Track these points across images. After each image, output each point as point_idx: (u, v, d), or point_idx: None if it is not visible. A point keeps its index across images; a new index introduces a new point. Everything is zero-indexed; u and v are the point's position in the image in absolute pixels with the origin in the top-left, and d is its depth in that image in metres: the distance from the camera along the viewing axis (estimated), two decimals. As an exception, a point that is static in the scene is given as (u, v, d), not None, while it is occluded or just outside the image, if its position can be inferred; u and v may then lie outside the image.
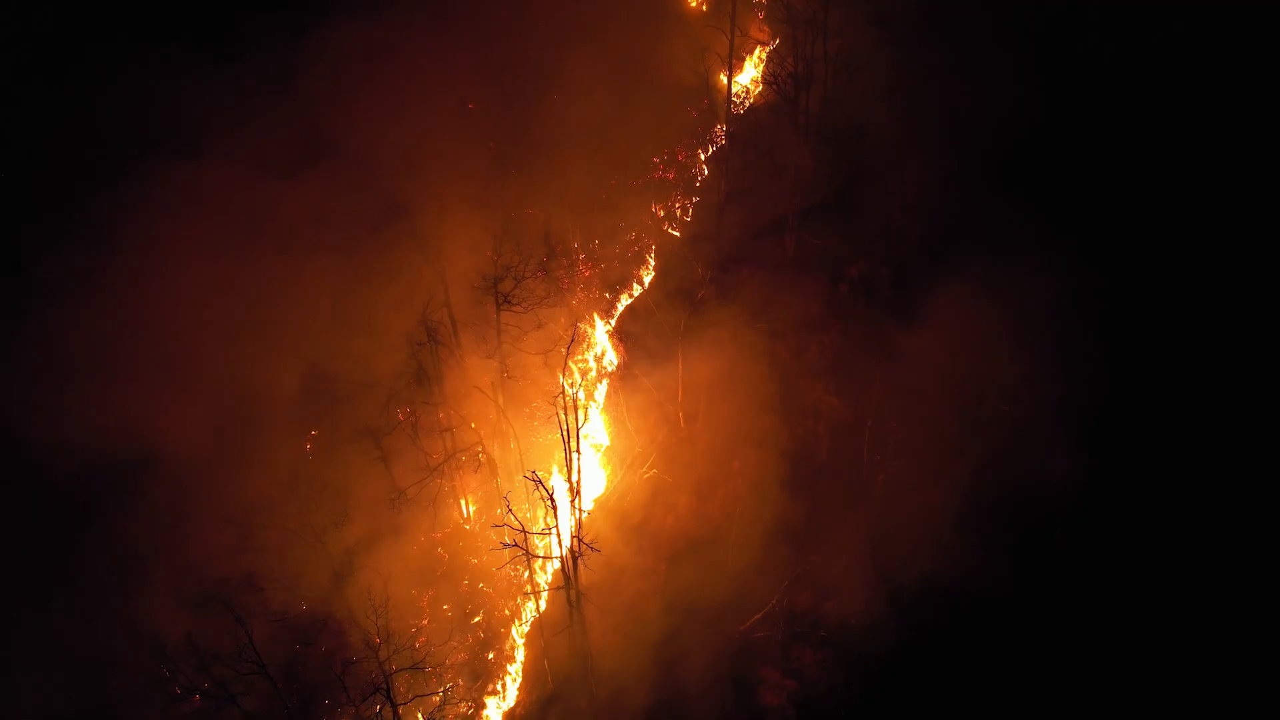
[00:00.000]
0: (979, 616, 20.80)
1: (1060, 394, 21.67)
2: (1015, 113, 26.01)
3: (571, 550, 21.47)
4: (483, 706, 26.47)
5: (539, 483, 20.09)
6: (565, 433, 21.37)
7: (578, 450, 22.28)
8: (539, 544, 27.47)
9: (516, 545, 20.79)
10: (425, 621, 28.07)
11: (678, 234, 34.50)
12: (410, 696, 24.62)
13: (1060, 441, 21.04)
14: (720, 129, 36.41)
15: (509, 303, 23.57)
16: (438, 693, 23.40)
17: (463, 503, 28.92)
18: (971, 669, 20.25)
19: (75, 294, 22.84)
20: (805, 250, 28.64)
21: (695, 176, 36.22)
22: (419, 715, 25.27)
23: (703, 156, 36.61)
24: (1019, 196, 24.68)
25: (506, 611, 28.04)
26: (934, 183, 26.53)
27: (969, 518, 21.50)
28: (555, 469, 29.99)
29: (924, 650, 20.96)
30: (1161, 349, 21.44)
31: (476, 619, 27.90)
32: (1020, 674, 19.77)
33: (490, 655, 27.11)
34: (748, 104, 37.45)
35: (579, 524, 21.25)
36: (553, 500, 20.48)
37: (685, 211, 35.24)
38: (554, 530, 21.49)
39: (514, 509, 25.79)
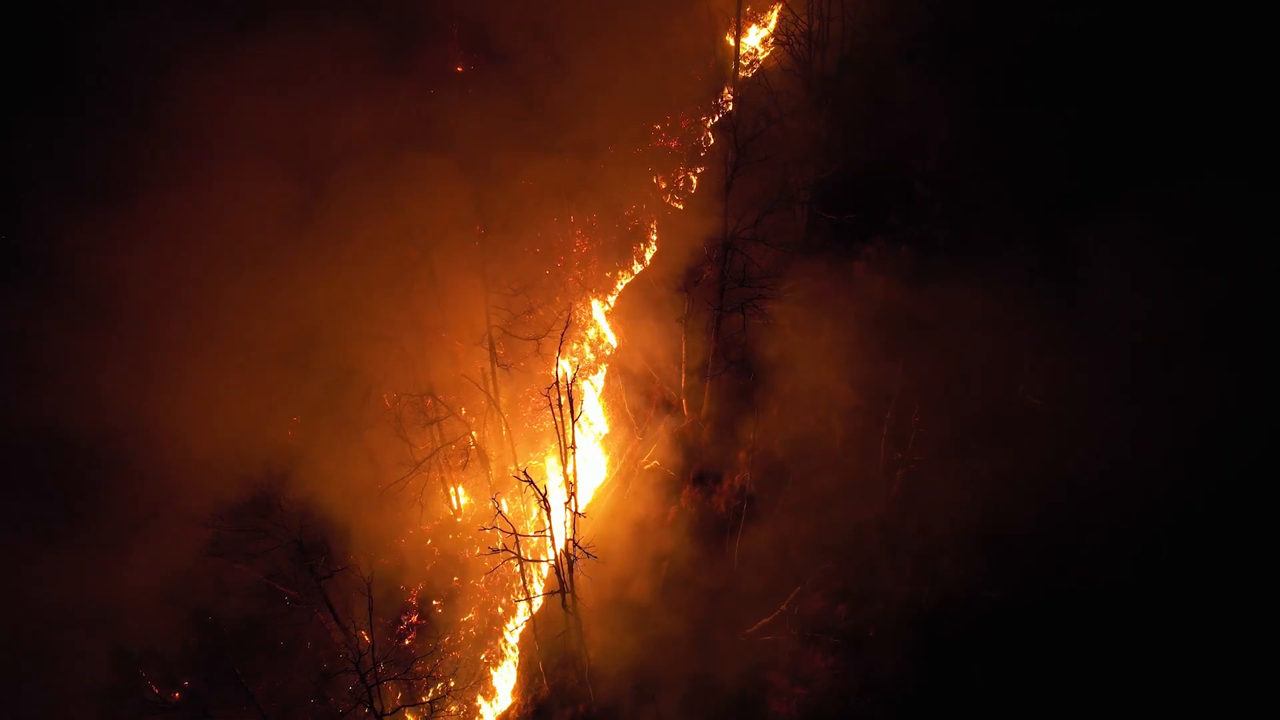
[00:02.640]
0: (1004, 628, 19.31)
1: (1098, 388, 19.89)
2: (1059, 75, 23.42)
3: (566, 553, 20.01)
4: (475, 708, 25.33)
5: (531, 483, 18.49)
6: (560, 426, 19.76)
7: (573, 446, 20.68)
8: (533, 540, 26.11)
9: (507, 549, 19.32)
10: (414, 618, 26.91)
11: (680, 207, 32.46)
12: (398, 703, 23.50)
13: (1098, 442, 19.34)
14: (727, 93, 34.15)
15: (498, 285, 21.79)
16: (424, 702, 22.11)
17: (452, 494, 27.48)
18: (996, 684, 18.81)
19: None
20: (818, 226, 26.66)
21: (700, 145, 34.00)
22: (408, 717, 24.12)
23: (708, 123, 34.35)
24: (1059, 170, 22.40)
25: (500, 609, 26.78)
26: (960, 153, 24.40)
27: (995, 522, 19.89)
28: (550, 460, 28.48)
29: (944, 661, 19.54)
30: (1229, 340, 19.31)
31: (468, 616, 26.69)
32: (1051, 693, 18.34)
33: (483, 655, 25.93)
34: (757, 67, 35.05)
35: (574, 527, 19.72)
36: (546, 502, 18.90)
37: (689, 183, 33.14)
38: (548, 531, 19.94)
39: (508, 503, 24.34)
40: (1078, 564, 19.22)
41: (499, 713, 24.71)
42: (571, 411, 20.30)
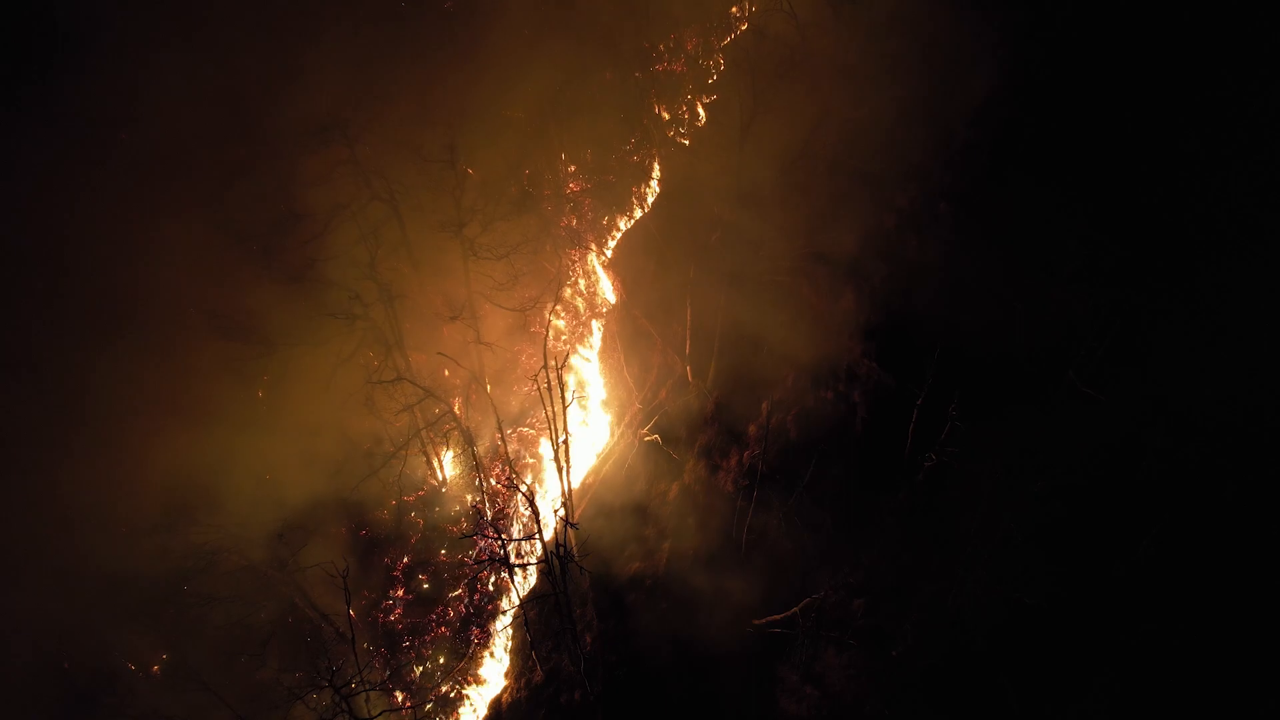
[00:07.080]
0: (1036, 635, 17.69)
1: (1161, 378, 17.52)
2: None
3: (558, 556, 18.17)
4: (464, 692, 24.21)
5: (519, 488, 16.39)
6: (552, 419, 17.53)
7: (565, 431, 18.51)
8: (524, 523, 24.39)
9: (493, 556, 17.46)
10: (400, 592, 25.48)
11: (687, 143, 28.95)
12: (379, 711, 22.28)
13: (1156, 439, 17.15)
14: (739, 9, 29.97)
15: (477, 252, 18.94)
16: (411, 705, 20.81)
17: (436, 465, 25.50)
18: (1026, 697, 17.36)
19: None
20: (841, 173, 23.47)
21: (709, 70, 30.05)
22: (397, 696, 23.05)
23: (718, 45, 30.23)
24: (1137, 100, 18.87)
25: (491, 586, 25.31)
26: (1013, 88, 20.97)
27: (1033, 521, 17.96)
28: (541, 441, 26.32)
29: (969, 668, 18.04)
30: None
31: (456, 593, 25.24)
32: (1083, 709, 16.89)
33: (472, 636, 24.61)
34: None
35: (568, 534, 17.78)
36: (534, 506, 16.86)
37: (696, 115, 29.47)
38: (538, 535, 18.03)
39: (500, 494, 22.36)
40: (1127, 574, 17.43)
41: (490, 700, 23.55)
42: (563, 396, 18.03)
